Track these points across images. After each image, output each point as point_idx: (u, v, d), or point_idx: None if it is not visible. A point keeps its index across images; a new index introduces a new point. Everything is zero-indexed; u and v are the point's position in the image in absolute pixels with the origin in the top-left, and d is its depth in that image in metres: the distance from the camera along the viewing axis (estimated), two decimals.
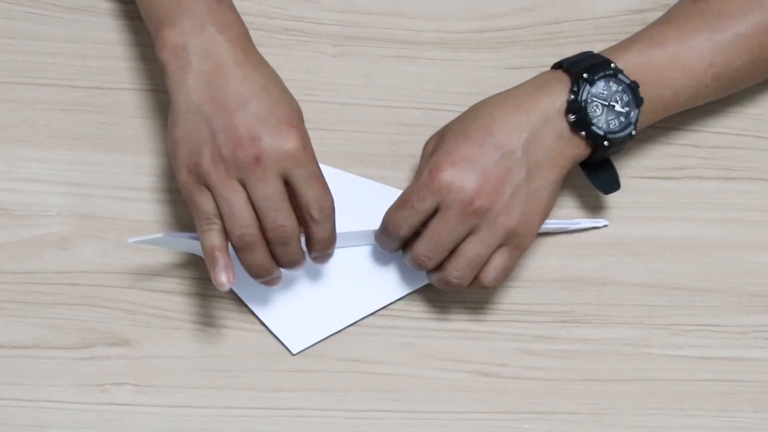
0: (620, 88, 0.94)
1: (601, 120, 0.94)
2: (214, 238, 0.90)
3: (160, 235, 0.92)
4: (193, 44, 0.91)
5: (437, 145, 0.94)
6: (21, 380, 0.96)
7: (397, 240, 0.94)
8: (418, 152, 1.03)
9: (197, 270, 1.00)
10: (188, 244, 0.94)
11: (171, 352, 0.98)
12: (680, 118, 1.06)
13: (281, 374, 0.98)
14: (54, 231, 0.99)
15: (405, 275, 0.99)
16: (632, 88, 0.94)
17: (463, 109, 1.03)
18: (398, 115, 1.04)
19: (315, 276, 0.99)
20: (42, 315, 0.98)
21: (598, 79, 0.93)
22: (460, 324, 1.00)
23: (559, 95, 0.94)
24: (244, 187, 0.89)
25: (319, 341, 0.98)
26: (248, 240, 0.90)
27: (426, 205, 0.92)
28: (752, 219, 1.04)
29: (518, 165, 0.92)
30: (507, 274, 0.94)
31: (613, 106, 0.94)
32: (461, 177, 0.91)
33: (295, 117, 0.91)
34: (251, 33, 1.00)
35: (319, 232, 0.92)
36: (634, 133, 0.95)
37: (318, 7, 1.05)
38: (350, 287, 0.99)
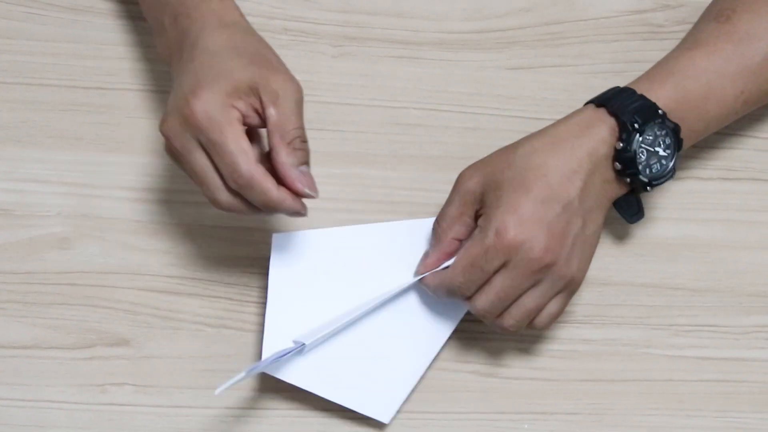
0: (664, 132, 0.94)
1: (645, 166, 0.93)
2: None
3: (242, 374, 0.90)
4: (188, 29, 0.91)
5: (493, 195, 0.92)
6: (21, 380, 0.96)
7: (461, 299, 0.94)
8: (418, 152, 1.03)
9: (197, 270, 1.00)
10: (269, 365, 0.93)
11: (171, 352, 0.98)
12: None
13: None
14: (54, 231, 0.99)
15: (447, 308, 0.98)
16: (675, 132, 0.94)
17: (463, 109, 1.04)
18: (398, 115, 1.04)
19: (370, 342, 0.96)
20: (42, 315, 0.98)
21: (648, 127, 0.93)
22: (460, 324, 1.00)
23: (605, 141, 0.93)
24: None
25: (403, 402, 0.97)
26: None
27: (494, 266, 0.91)
28: (752, 219, 1.04)
29: (576, 215, 0.92)
30: (558, 317, 0.95)
31: (657, 152, 0.94)
32: (530, 237, 0.91)
33: (212, 84, 0.87)
34: None
35: (252, 200, 0.89)
36: (673, 176, 0.95)
37: (318, 7, 1.05)
38: (406, 338, 0.97)
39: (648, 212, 1.03)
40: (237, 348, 0.98)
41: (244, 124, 0.88)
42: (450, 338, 0.99)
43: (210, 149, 0.87)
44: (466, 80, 1.05)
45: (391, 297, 0.96)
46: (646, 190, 0.94)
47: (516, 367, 1.00)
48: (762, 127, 1.06)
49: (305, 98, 1.01)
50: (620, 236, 1.03)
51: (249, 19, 1.04)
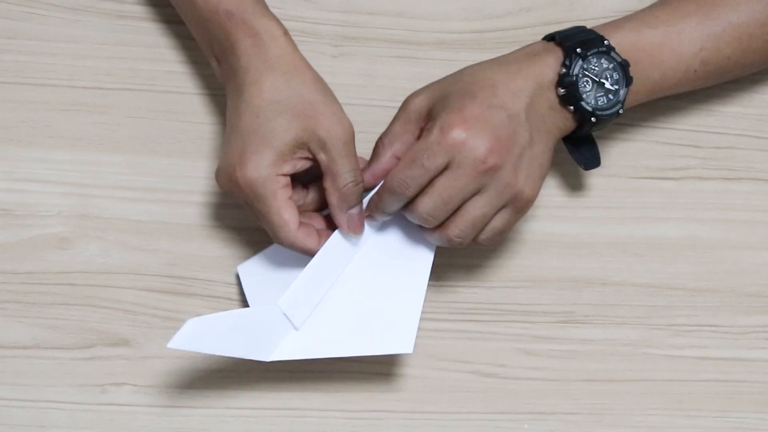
0: (611, 65, 0.94)
1: (590, 96, 0.94)
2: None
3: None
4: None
5: (440, 104, 0.92)
6: (21, 380, 0.96)
7: (403, 200, 0.92)
8: None
9: (197, 270, 1.00)
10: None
11: (171, 352, 0.98)
12: (680, 118, 1.06)
13: (281, 374, 0.98)
14: (54, 231, 0.99)
15: (417, 242, 0.97)
16: (623, 66, 0.94)
17: None
18: None
19: (360, 292, 0.96)
20: (42, 315, 0.98)
21: (591, 55, 0.93)
22: (460, 324, 1.00)
23: (551, 67, 0.93)
24: None
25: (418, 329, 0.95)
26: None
27: (437, 163, 0.90)
28: (752, 219, 1.04)
29: (522, 128, 0.91)
30: (503, 235, 0.94)
31: (603, 84, 0.94)
32: (474, 135, 0.90)
33: (251, 150, 0.90)
34: None
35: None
36: (621, 111, 0.95)
37: (318, 7, 1.05)
38: (393, 274, 0.96)
39: (648, 212, 1.03)
40: None
41: (298, 175, 0.92)
42: (450, 338, 1.00)
43: (256, 215, 0.92)
44: None
45: (360, 246, 0.96)
46: (592, 123, 0.94)
47: (516, 367, 1.00)
48: (763, 127, 1.06)
49: None
50: (620, 236, 1.03)
51: None
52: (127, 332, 0.98)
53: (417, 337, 1.00)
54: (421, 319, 1.00)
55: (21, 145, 1.01)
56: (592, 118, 0.94)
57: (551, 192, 1.03)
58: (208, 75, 1.03)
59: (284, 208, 0.90)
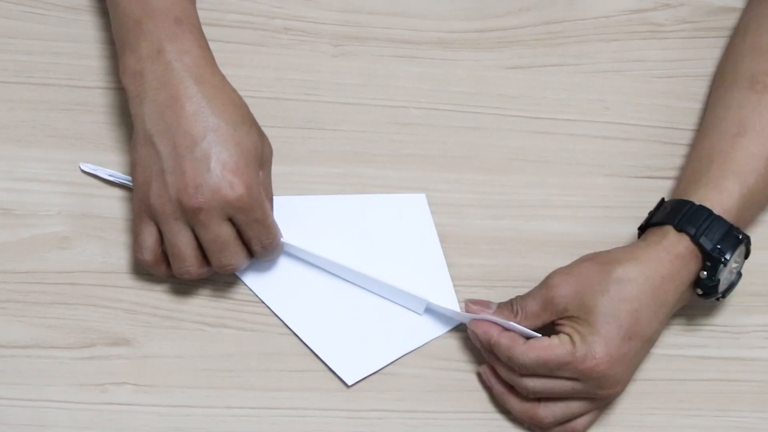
0: (739, 250, 0.95)
1: (723, 285, 0.96)
2: (145, 263, 0.96)
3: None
4: (149, 71, 0.92)
5: (587, 319, 0.92)
6: (21, 380, 0.96)
7: (512, 383, 0.95)
8: (418, 152, 1.03)
9: None
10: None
11: (171, 352, 0.98)
12: (680, 117, 1.06)
13: (281, 374, 0.98)
14: (54, 231, 0.99)
15: (445, 316, 0.99)
16: (747, 244, 0.96)
17: (463, 108, 1.04)
18: (398, 115, 1.04)
19: (366, 310, 0.99)
20: (42, 315, 0.98)
21: (730, 254, 0.94)
22: (460, 324, 1.00)
23: (693, 271, 0.94)
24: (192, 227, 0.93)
25: (372, 373, 0.98)
26: (190, 274, 0.95)
27: (564, 376, 0.93)
28: None
29: (650, 345, 0.95)
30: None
31: (732, 268, 0.96)
32: (612, 375, 0.92)
33: (243, 160, 0.92)
34: (251, 33, 1.00)
35: (263, 258, 0.96)
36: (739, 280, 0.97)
37: (318, 6, 1.05)
38: (400, 322, 0.99)
39: (648, 212, 1.03)
40: (237, 348, 0.98)
41: None
42: (450, 338, 0.99)
43: (245, 226, 0.93)
44: (466, 80, 1.05)
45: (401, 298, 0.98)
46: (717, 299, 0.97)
47: None
48: None
49: (306, 98, 1.02)
50: (621, 236, 1.03)
51: (249, 18, 1.05)
52: (127, 332, 0.98)
53: None
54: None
55: (21, 145, 1.01)
56: (719, 297, 0.96)
57: (551, 192, 1.03)
58: None
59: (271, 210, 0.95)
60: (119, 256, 0.99)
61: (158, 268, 0.96)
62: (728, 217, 0.95)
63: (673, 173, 1.04)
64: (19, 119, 1.01)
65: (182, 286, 0.99)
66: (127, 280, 0.99)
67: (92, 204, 1.00)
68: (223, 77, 0.93)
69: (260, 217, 0.93)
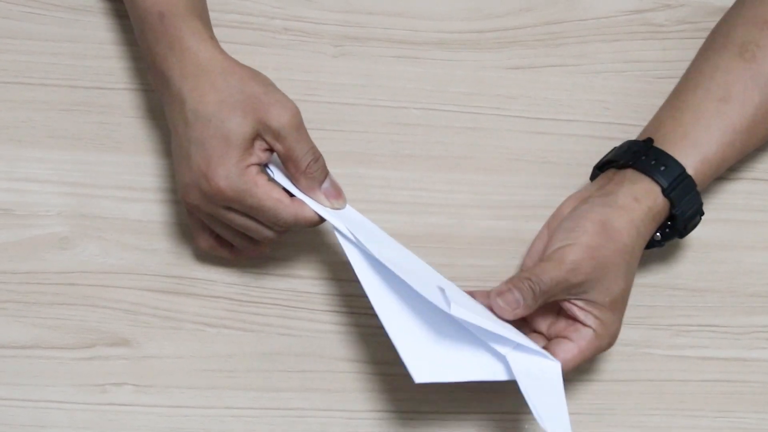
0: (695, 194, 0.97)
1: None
2: (204, 251, 0.98)
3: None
4: (155, 73, 0.93)
5: (607, 306, 0.93)
6: (21, 380, 0.96)
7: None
8: (418, 152, 1.03)
9: (197, 270, 1.00)
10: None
11: (171, 352, 0.98)
12: None
13: (281, 374, 0.98)
14: (54, 231, 0.99)
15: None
16: (699, 213, 0.97)
17: (463, 108, 1.04)
18: (398, 115, 1.04)
19: (457, 324, 0.92)
20: (42, 315, 0.98)
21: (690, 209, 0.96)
22: None
23: (660, 214, 0.96)
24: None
25: (444, 382, 0.91)
26: (250, 251, 0.98)
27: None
28: (752, 219, 1.04)
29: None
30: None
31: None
32: (617, 320, 0.94)
33: (217, 152, 0.90)
34: (251, 33, 1.00)
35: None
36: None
37: (318, 7, 1.05)
38: (485, 347, 0.92)
39: None
40: (237, 348, 0.98)
41: (262, 164, 0.92)
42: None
43: (248, 212, 0.92)
44: (466, 80, 1.05)
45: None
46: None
47: None
48: None
49: (306, 98, 1.02)
50: None
51: (249, 19, 1.05)
52: (127, 332, 0.98)
53: None
54: None
55: (21, 145, 1.01)
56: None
57: (551, 192, 1.03)
58: None
59: (271, 189, 0.91)
60: (119, 257, 0.99)
61: (221, 252, 0.97)
62: (697, 180, 0.96)
63: None
64: (19, 119, 1.01)
65: (182, 287, 0.99)
66: (127, 280, 0.99)
67: (92, 204, 1.00)
68: (211, 54, 0.92)
69: (254, 204, 0.91)
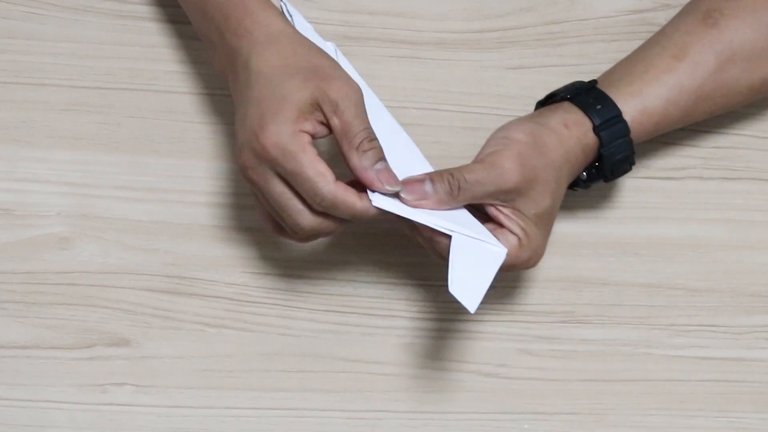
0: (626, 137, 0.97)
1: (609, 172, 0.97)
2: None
3: None
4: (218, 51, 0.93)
5: (533, 220, 0.92)
6: (21, 380, 0.96)
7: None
8: None
9: (197, 270, 1.00)
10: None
11: (171, 352, 0.98)
12: None
13: (281, 374, 0.98)
14: (54, 231, 0.99)
15: None
16: (630, 162, 0.97)
17: (463, 108, 1.04)
18: (398, 115, 1.03)
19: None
20: (42, 315, 0.98)
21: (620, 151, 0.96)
22: (460, 324, 1.00)
23: (590, 151, 0.96)
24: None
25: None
26: (296, 236, 0.92)
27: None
28: (752, 219, 1.04)
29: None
30: None
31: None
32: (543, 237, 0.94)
33: (271, 111, 0.88)
34: None
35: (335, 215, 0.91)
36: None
37: (318, 7, 1.05)
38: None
39: (648, 212, 1.03)
40: (237, 348, 0.98)
41: (316, 138, 0.89)
42: (450, 338, 0.99)
43: (289, 178, 0.89)
44: (466, 80, 1.05)
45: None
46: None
47: (516, 367, 1.00)
48: (763, 127, 1.06)
49: None
50: (620, 236, 1.03)
51: None
52: (127, 332, 0.98)
53: (417, 336, 1.00)
54: (420, 318, 1.00)
55: (21, 145, 1.01)
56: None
57: None
58: (208, 75, 1.03)
59: (318, 161, 0.88)
60: (119, 257, 0.99)
61: (275, 232, 0.93)
62: (633, 129, 0.96)
63: (673, 173, 1.04)
64: (19, 119, 1.01)
65: (182, 286, 0.99)
66: (127, 280, 0.99)
67: (92, 204, 1.00)
68: (282, 27, 0.91)
69: (295, 169, 0.88)
